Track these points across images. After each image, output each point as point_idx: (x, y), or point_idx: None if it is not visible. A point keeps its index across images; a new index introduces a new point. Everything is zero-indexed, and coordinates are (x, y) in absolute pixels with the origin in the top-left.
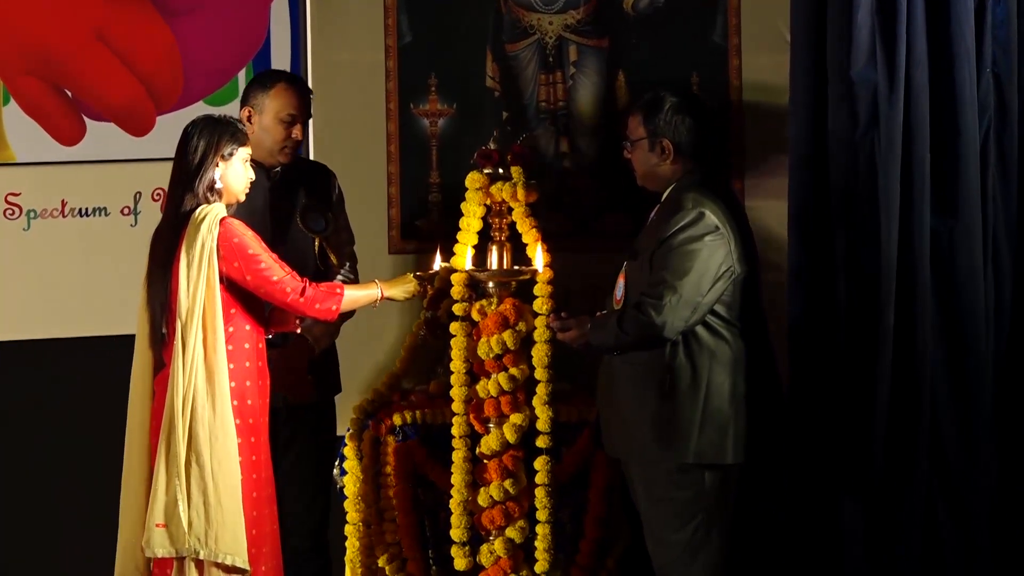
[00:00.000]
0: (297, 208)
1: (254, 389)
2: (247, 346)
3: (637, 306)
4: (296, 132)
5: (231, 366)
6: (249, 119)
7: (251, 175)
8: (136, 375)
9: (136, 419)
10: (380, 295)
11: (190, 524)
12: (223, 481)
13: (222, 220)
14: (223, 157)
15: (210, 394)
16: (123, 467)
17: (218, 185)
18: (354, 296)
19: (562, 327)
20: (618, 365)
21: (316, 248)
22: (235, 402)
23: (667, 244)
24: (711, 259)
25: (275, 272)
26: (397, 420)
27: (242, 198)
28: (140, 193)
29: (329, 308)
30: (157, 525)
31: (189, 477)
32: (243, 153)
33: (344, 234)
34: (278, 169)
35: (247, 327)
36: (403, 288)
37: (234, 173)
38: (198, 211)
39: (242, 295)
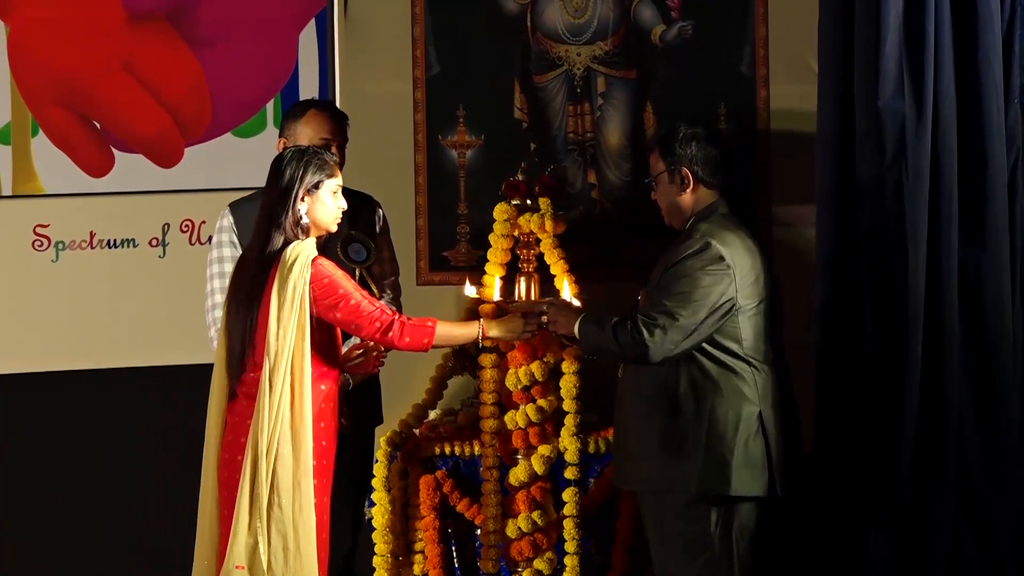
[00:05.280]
0: (339, 237)
1: (328, 430)
2: (323, 387)
3: (632, 321)
4: None
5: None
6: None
7: (342, 205)
8: (212, 403)
9: (210, 448)
10: (482, 332)
11: (270, 567)
12: (302, 526)
13: (313, 261)
14: (308, 191)
15: (294, 438)
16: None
17: (304, 220)
18: (449, 331)
19: (552, 318)
20: (628, 399)
21: (356, 278)
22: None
23: (671, 271)
24: (711, 289)
25: (365, 307)
26: (425, 451)
27: (333, 229)
28: (168, 224)
29: (420, 341)
30: (237, 567)
31: (270, 520)
32: (331, 184)
33: (388, 265)
34: None
35: (324, 368)
36: (508, 328)
37: (321, 206)
38: (288, 251)
39: (323, 338)
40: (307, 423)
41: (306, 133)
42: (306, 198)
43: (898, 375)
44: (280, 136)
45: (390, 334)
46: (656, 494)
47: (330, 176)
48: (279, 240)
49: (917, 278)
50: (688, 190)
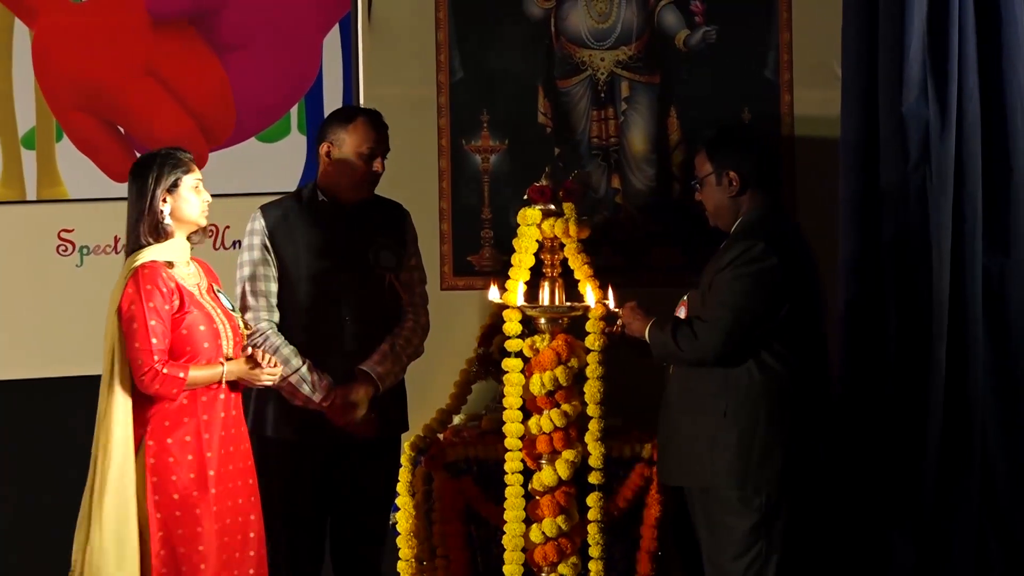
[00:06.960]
0: (370, 245)
1: (192, 428)
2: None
3: (689, 326)
4: (376, 166)
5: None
6: (328, 154)
7: (206, 198)
8: None
9: None
10: (223, 374)
11: (96, 563)
12: (122, 526)
13: (140, 267)
14: (168, 191)
15: (104, 438)
16: None
17: (167, 222)
18: (196, 376)
19: (627, 320)
20: (674, 393)
21: (386, 284)
22: (152, 460)
23: (722, 275)
24: (760, 291)
25: (143, 342)
26: (449, 456)
27: (203, 223)
28: None
29: (169, 390)
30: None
31: (91, 513)
32: (189, 180)
33: (416, 273)
34: (351, 206)
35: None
36: (245, 370)
37: (184, 203)
38: (129, 258)
39: (186, 336)
40: (113, 427)
41: (352, 141)
42: (167, 199)
43: (922, 379)
44: (323, 140)
45: (143, 378)
46: (704, 490)
47: (187, 172)
48: (131, 247)
49: (941, 283)
50: (736, 193)
